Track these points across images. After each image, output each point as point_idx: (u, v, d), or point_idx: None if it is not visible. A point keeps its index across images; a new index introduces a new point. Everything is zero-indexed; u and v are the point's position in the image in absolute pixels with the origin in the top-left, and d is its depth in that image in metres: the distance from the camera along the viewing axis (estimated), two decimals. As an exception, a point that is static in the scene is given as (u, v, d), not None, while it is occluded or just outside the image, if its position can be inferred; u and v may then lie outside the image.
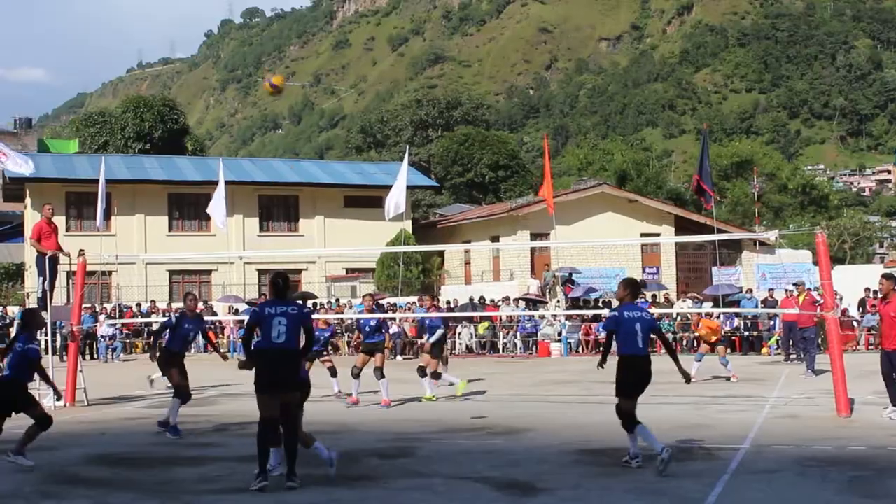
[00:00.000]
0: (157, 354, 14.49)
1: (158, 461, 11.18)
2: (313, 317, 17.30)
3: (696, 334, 23.35)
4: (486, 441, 12.29)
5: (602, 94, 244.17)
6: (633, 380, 10.34)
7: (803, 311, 22.53)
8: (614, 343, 10.54)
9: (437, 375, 17.18)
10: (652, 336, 10.77)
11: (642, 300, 36.08)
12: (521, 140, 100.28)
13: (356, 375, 17.09)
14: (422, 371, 17.37)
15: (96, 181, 30.70)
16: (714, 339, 21.08)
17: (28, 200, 46.58)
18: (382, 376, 16.85)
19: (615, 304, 12.26)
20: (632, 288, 10.90)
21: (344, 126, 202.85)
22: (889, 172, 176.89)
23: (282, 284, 10.15)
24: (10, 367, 10.99)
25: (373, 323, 17.52)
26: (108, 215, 41.27)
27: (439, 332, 17.60)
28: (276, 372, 9.54)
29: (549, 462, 10.55)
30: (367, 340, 17.61)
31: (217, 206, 31.39)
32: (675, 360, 10.70)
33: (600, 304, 36.31)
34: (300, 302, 10.44)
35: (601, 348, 11.22)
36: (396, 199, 28.86)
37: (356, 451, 11.62)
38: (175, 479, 9.97)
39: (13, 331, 22.45)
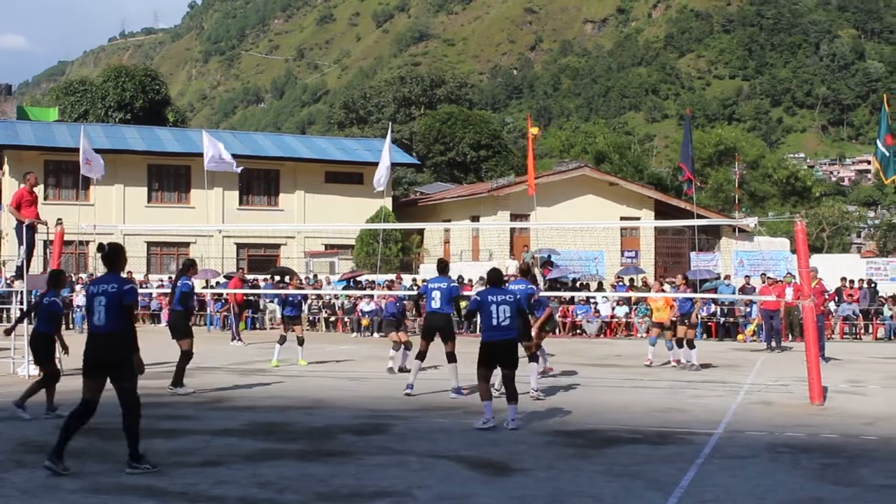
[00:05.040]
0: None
1: (133, 432, 11.14)
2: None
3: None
4: (462, 420, 12.30)
5: (586, 77, 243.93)
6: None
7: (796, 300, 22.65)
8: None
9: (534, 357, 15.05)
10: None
11: (620, 283, 36.22)
12: (504, 120, 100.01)
13: (281, 342, 20.15)
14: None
15: (76, 150, 30.51)
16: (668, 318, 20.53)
17: (6, 167, 46.26)
18: (302, 343, 20.32)
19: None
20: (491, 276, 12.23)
21: (326, 101, 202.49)
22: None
23: (107, 253, 9.24)
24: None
25: (298, 298, 21.17)
26: (86, 184, 41.05)
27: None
28: (98, 357, 8.81)
29: (524, 442, 10.58)
30: (287, 314, 20.88)
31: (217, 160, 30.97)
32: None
33: (578, 286, 36.43)
34: (125, 276, 9.45)
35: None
36: (381, 174, 29.07)
37: (331, 427, 11.62)
38: (149, 451, 9.91)
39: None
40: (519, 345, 12.00)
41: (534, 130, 20.71)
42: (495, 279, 12.08)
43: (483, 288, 12.17)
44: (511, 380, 11.62)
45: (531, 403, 13.67)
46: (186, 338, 15.23)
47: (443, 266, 15.68)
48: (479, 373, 11.60)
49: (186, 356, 15.15)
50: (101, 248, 9.26)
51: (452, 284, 15.14)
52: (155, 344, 15.74)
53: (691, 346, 19.69)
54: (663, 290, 21.93)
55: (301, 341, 20.32)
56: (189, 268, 15.97)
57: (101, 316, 8.84)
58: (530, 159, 31.85)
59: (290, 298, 20.83)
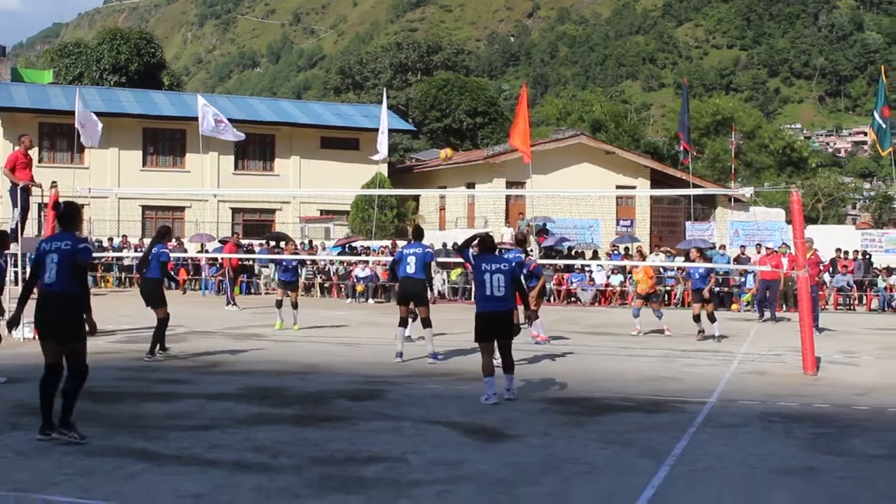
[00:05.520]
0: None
1: (128, 396, 11.18)
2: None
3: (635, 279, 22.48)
4: (456, 386, 12.33)
5: (583, 45, 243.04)
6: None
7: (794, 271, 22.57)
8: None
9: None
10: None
11: (615, 252, 36.24)
12: (500, 87, 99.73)
13: (278, 306, 20.44)
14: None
15: (70, 113, 30.37)
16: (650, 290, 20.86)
17: (0, 130, 46.05)
18: (296, 307, 20.47)
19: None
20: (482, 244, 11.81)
21: (322, 66, 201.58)
22: (865, 134, 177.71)
23: (63, 212, 8.97)
24: None
25: (294, 264, 21.03)
26: (81, 147, 40.86)
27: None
28: (49, 317, 8.51)
29: (518, 409, 10.60)
30: (283, 278, 20.94)
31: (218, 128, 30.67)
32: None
33: (573, 255, 36.48)
34: (80, 234, 9.20)
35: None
36: (381, 143, 29.08)
37: (325, 393, 11.64)
38: (144, 415, 9.97)
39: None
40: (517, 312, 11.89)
41: (447, 152, 20.37)
42: (490, 245, 11.76)
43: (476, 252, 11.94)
44: (508, 350, 11.37)
45: (525, 371, 13.69)
46: (162, 306, 14.99)
47: (418, 232, 16.06)
48: (481, 347, 11.27)
49: (164, 323, 15.02)
50: (56, 206, 9.05)
51: (427, 250, 15.38)
52: (149, 308, 15.68)
53: (712, 318, 19.37)
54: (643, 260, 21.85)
55: (295, 305, 20.51)
56: (164, 235, 15.70)
57: (53, 274, 8.50)
58: (525, 124, 31.50)
59: (286, 264, 20.88)
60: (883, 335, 21.93)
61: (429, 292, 15.51)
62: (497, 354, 11.37)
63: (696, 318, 19.54)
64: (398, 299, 15.44)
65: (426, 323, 15.00)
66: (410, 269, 14.87)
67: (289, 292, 20.68)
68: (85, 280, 8.80)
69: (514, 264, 11.87)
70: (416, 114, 70.41)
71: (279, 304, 20.45)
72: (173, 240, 35.46)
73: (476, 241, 11.97)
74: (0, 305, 13.12)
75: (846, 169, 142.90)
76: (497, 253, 12.17)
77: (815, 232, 31.88)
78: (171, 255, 16.40)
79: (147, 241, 40.31)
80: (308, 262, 34.54)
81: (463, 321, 20.66)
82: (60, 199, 9.08)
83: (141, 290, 15.55)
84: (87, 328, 8.66)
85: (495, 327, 11.21)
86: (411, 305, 15.23)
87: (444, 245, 36.16)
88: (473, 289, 11.64)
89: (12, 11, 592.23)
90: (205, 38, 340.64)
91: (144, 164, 47.61)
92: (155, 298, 15.13)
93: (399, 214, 45.93)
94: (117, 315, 21.49)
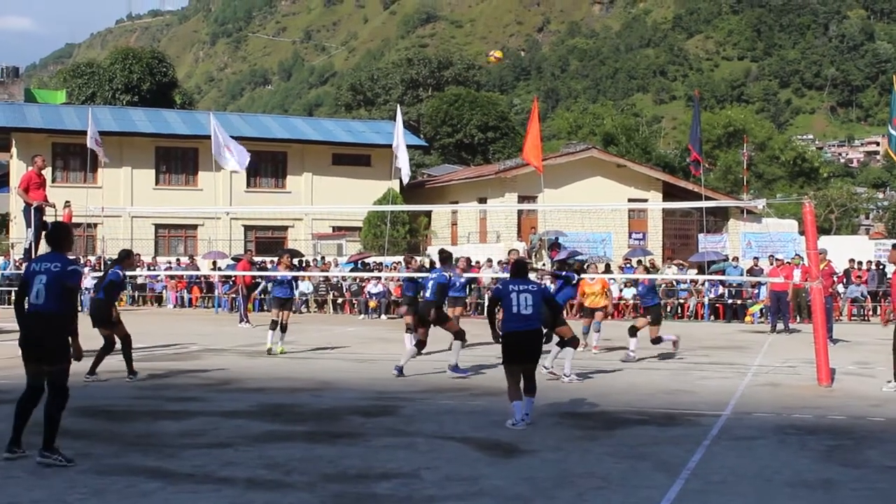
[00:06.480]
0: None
1: (141, 414, 11.19)
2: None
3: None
4: (469, 402, 12.32)
5: (594, 58, 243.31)
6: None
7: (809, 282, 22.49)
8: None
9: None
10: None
11: (627, 265, 36.18)
12: (512, 102, 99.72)
13: (272, 327, 18.43)
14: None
15: (83, 132, 30.54)
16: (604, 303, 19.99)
17: (14, 150, 46.31)
18: (285, 329, 18.49)
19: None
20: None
21: (334, 83, 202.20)
22: (878, 144, 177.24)
23: (49, 232, 8.90)
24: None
25: (289, 278, 19.43)
26: (94, 167, 41.09)
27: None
28: (32, 338, 8.38)
29: (532, 424, 10.57)
30: (277, 294, 19.08)
31: (229, 153, 30.54)
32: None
33: (585, 269, 36.35)
34: (73, 257, 9.04)
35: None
36: (403, 161, 29.04)
37: (338, 409, 11.64)
38: (158, 433, 9.98)
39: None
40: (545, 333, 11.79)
41: (496, 55, 19.15)
42: (518, 271, 11.20)
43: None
44: (532, 373, 10.79)
45: (539, 385, 13.63)
46: (114, 327, 14.67)
47: (445, 256, 16.76)
48: (506, 371, 10.83)
49: (128, 341, 14.66)
50: (44, 226, 9.02)
51: (442, 274, 15.74)
52: (162, 326, 15.74)
53: (633, 333, 17.72)
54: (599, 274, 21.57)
55: (284, 328, 18.62)
56: (125, 258, 15.29)
57: (40, 295, 8.37)
58: (536, 138, 31.27)
59: (280, 278, 19.40)
60: (898, 346, 21.78)
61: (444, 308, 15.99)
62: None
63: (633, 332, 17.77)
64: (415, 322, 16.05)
65: (457, 336, 15.26)
66: (428, 294, 15.44)
67: (283, 311, 18.74)
68: (73, 302, 8.72)
69: (544, 287, 11.80)
70: (427, 129, 70.48)
71: (273, 326, 18.57)
72: (135, 261, 35.55)
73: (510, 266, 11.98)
74: None
75: (859, 179, 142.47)
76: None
77: (829, 242, 31.80)
78: (150, 274, 16.34)
79: (160, 259, 40.64)
80: (320, 279, 34.62)
81: (478, 335, 20.64)
82: (49, 220, 8.94)
83: (90, 309, 15.40)
84: (71, 351, 8.53)
85: (521, 350, 10.70)
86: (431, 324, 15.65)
87: (457, 260, 36.10)
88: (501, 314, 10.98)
89: (25, 33, 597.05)
90: (216, 56, 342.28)
91: (157, 182, 47.75)
92: (98, 319, 14.66)
93: (411, 230, 45.97)
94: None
